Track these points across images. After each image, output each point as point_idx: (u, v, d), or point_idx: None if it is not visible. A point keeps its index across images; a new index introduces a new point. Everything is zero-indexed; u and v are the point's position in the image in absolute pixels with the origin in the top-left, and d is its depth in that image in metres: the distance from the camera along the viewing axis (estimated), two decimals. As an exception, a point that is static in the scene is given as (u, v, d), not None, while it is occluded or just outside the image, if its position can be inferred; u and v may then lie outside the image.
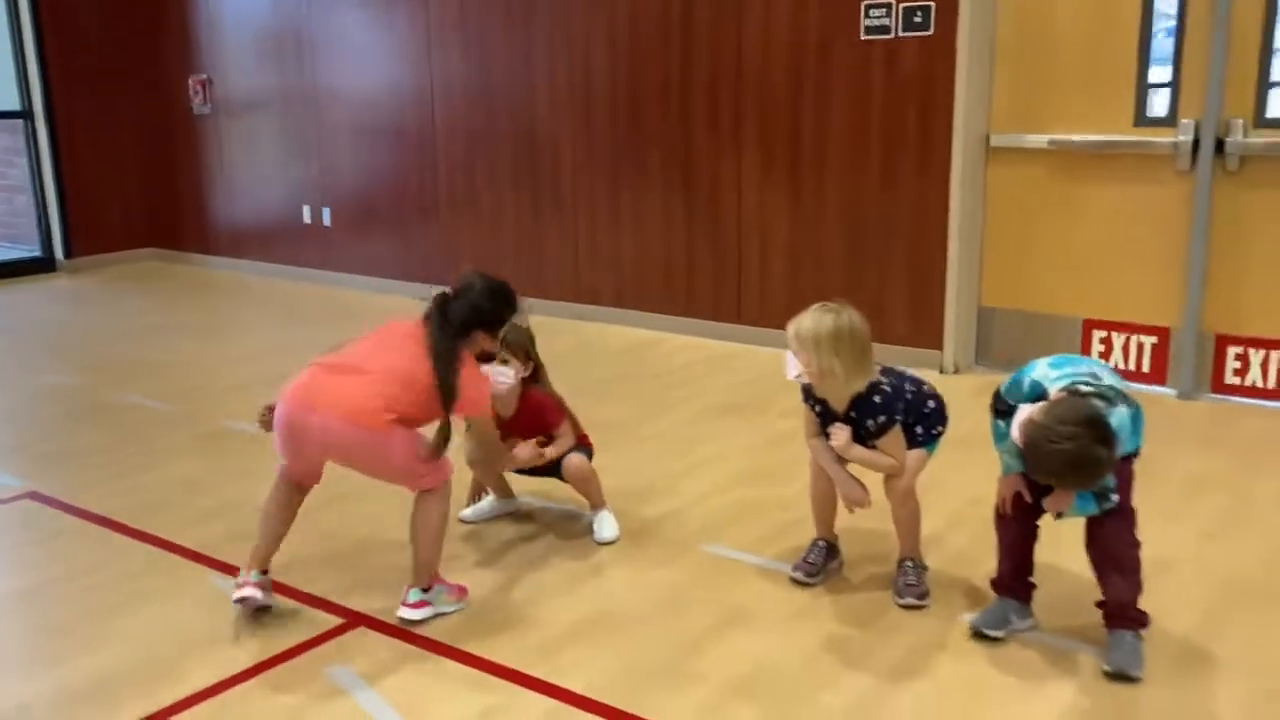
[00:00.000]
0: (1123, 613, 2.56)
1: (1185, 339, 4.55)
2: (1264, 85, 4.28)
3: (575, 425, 3.36)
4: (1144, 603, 2.59)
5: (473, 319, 2.82)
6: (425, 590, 2.81)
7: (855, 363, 2.73)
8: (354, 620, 2.85)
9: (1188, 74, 4.40)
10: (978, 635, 2.69)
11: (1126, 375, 4.70)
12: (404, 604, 2.79)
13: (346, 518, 3.44)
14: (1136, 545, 2.57)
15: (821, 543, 3.05)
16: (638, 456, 4.00)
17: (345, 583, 3.05)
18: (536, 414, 3.27)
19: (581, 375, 4.69)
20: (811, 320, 2.74)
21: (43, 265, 7.94)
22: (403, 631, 2.77)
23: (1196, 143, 4.38)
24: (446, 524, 2.85)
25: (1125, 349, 4.73)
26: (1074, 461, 2.28)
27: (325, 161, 7.18)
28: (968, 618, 2.75)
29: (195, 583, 3.10)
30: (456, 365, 2.73)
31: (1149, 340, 4.67)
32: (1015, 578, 2.72)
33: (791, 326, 2.75)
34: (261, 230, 7.67)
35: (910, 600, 2.86)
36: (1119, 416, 2.36)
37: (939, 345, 4.99)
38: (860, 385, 2.76)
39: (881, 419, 2.77)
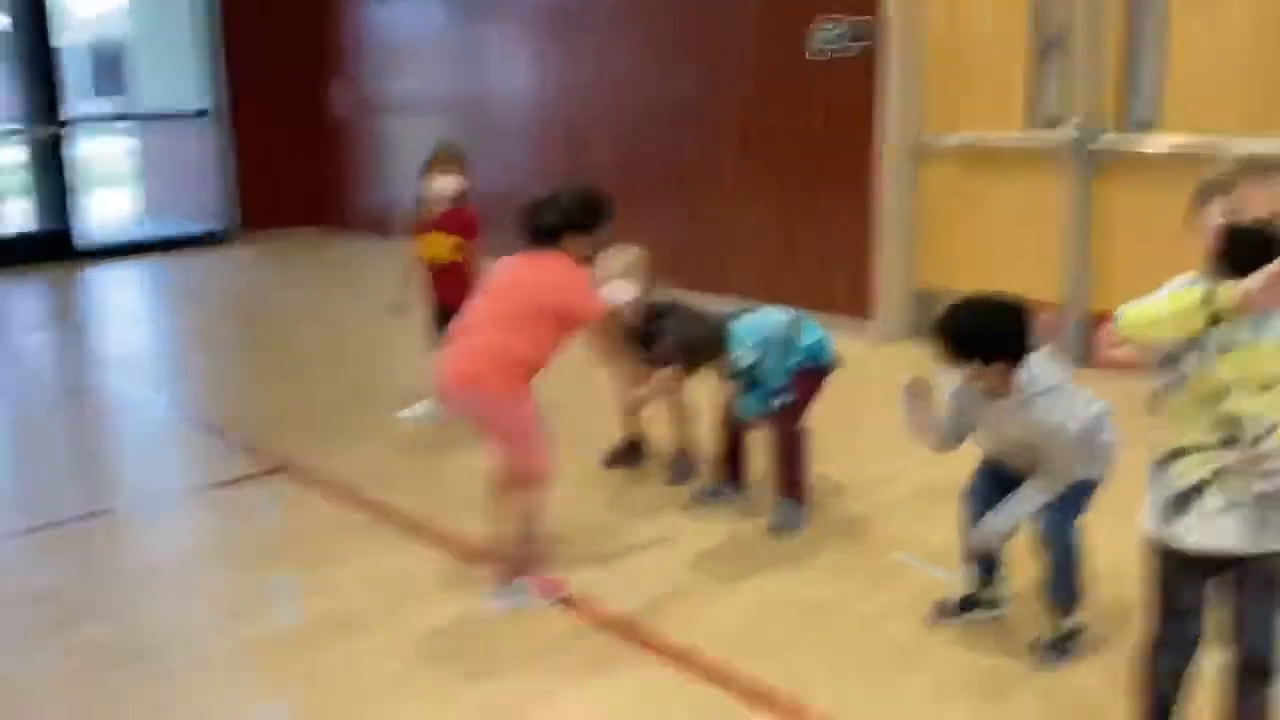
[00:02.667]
0: (786, 488, 3.44)
1: (1069, 317, 5.16)
2: (1130, 93, 4.89)
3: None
4: (850, 494, 3.49)
5: (560, 223, 2.93)
6: (508, 583, 2.97)
7: None
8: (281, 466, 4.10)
9: (1064, 83, 5.04)
10: (696, 499, 3.64)
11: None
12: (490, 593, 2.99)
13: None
14: (800, 437, 3.43)
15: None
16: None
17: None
18: (466, 221, 4.34)
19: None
20: (636, 254, 3.67)
21: (222, 238, 9.73)
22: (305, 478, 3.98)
23: (1078, 142, 5.01)
24: (540, 517, 2.98)
25: (1023, 323, 5.38)
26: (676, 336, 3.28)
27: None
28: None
29: (211, 443, 4.45)
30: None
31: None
32: (727, 464, 3.63)
33: (621, 259, 3.62)
34: (389, 212, 9.17)
35: (671, 479, 3.83)
36: (740, 324, 3.30)
37: (870, 318, 5.77)
38: None
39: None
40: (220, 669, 2.75)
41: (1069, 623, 2.65)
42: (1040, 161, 5.20)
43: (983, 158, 5.42)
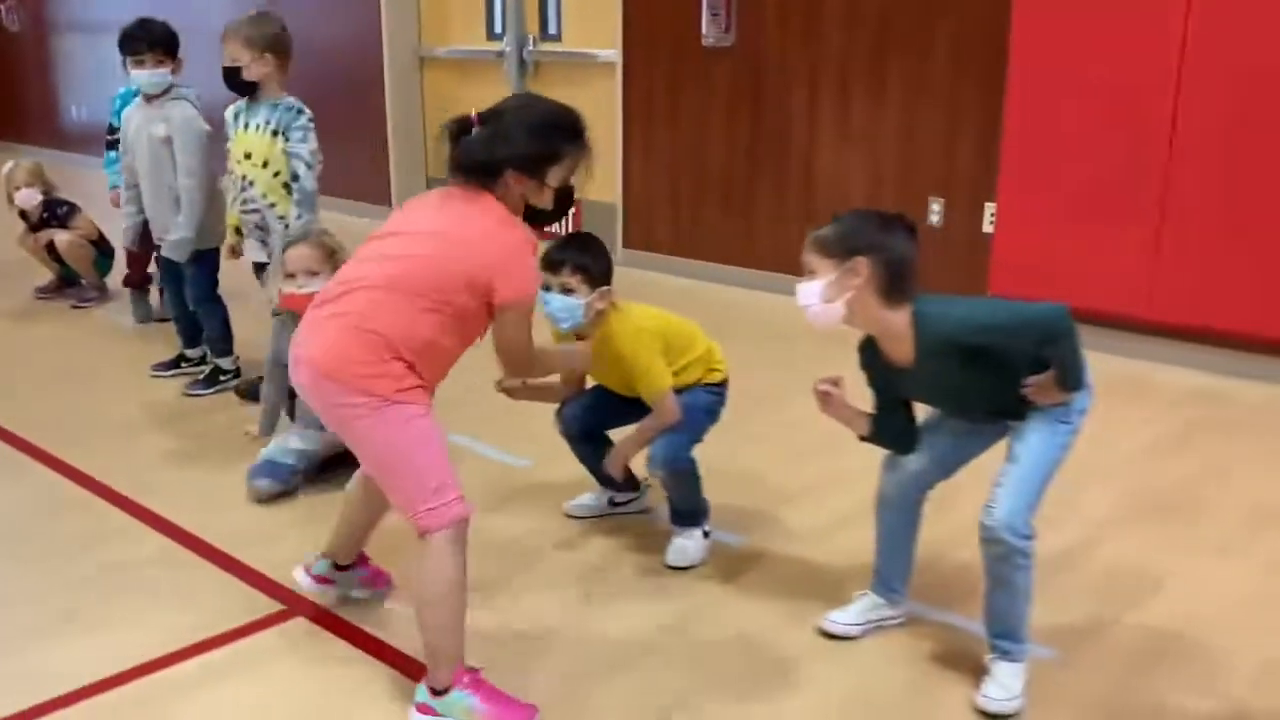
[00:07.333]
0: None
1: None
2: (545, 11, 5.96)
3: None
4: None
5: (499, 158, 2.01)
6: (436, 693, 2.00)
7: None
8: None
9: (506, 7, 6.10)
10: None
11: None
12: (415, 704, 2.03)
13: None
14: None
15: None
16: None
17: None
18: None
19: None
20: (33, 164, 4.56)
21: (-97, 149, 10.19)
22: None
23: (514, 51, 6.07)
24: (464, 588, 1.96)
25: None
26: None
27: (81, 70, 9.27)
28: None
29: None
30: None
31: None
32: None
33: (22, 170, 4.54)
34: (55, 124, 9.80)
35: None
36: None
37: (394, 207, 6.76)
38: None
39: None
40: None
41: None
42: (496, 68, 6.24)
43: (463, 66, 6.45)
